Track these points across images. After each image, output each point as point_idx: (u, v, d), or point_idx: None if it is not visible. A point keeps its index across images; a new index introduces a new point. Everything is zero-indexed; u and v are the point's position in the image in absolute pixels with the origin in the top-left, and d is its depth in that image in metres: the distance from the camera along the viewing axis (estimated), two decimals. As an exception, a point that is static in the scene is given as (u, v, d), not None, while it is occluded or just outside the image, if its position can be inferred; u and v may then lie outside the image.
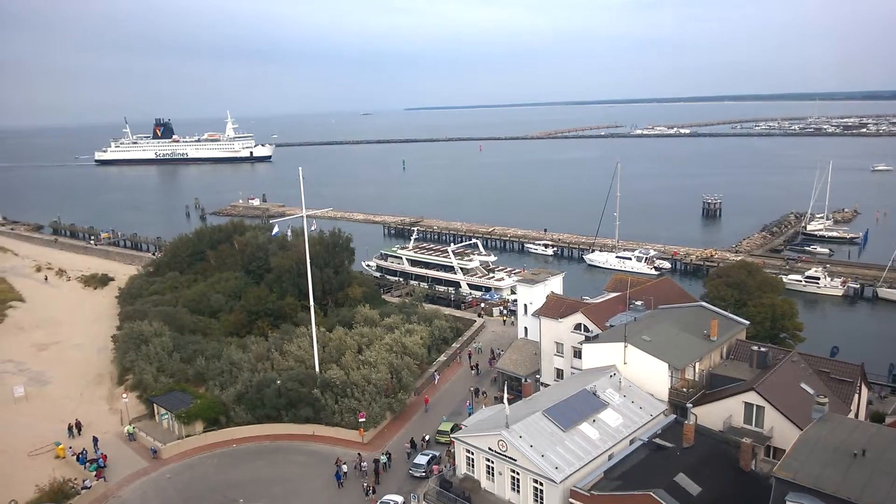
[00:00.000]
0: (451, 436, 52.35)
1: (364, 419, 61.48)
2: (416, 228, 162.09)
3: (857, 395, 50.87)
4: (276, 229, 72.11)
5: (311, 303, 70.02)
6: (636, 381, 51.67)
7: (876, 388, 65.77)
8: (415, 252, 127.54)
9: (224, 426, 63.67)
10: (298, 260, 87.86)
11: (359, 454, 57.78)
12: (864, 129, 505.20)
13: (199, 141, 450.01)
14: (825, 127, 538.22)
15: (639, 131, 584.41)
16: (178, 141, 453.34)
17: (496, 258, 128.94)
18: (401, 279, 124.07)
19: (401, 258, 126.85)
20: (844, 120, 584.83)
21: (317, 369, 68.00)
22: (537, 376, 67.04)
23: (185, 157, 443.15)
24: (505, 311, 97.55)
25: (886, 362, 76.68)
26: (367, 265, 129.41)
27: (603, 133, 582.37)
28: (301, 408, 63.43)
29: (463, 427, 51.86)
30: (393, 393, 65.32)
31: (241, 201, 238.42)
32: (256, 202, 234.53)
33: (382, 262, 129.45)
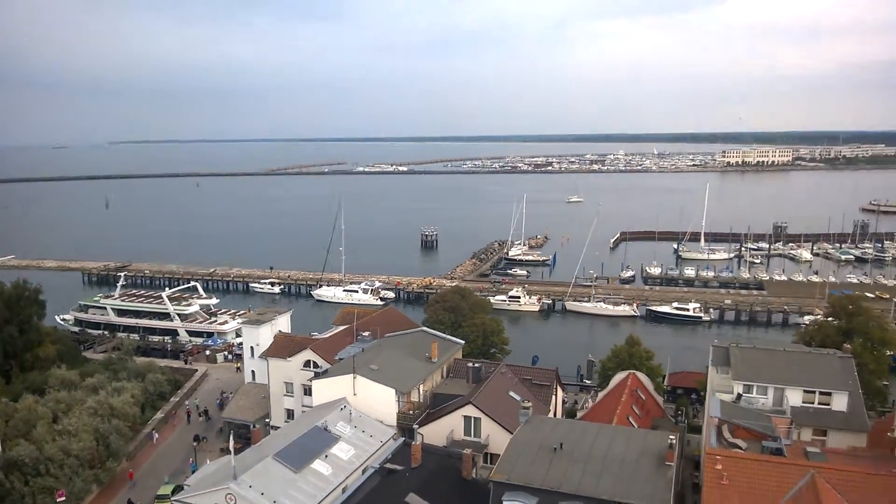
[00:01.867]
0: (172, 499, 47.49)
1: (63, 498, 52.88)
2: (123, 274, 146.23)
3: (554, 397, 58.02)
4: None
5: (-13, 369, 58.62)
6: (367, 411, 52.46)
7: (568, 388, 75.78)
8: (122, 300, 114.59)
9: None
10: (-32, 320, 73.24)
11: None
12: (551, 167, 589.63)
13: None
14: (520, 165, 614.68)
15: (361, 169, 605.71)
16: None
17: (218, 301, 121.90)
18: (106, 332, 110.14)
19: (105, 308, 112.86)
20: (534, 159, 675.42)
21: (-2, 448, 56.86)
22: (267, 420, 64.44)
23: None
24: (230, 356, 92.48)
25: (575, 364, 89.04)
26: (63, 319, 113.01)
27: (326, 170, 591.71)
28: (-24, 498, 52.34)
29: (186, 487, 47.42)
30: (100, 462, 57.35)
31: None
32: None
33: (82, 315, 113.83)
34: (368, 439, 49.59)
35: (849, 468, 32.85)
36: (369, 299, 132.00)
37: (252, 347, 70.74)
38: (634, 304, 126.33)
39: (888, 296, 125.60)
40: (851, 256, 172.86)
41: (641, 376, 63.23)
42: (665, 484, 35.79)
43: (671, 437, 39.15)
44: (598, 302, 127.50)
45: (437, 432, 50.63)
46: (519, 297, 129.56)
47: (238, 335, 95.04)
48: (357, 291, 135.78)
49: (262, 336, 69.63)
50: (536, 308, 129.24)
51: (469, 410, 50.13)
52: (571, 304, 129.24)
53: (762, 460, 34.34)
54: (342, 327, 69.97)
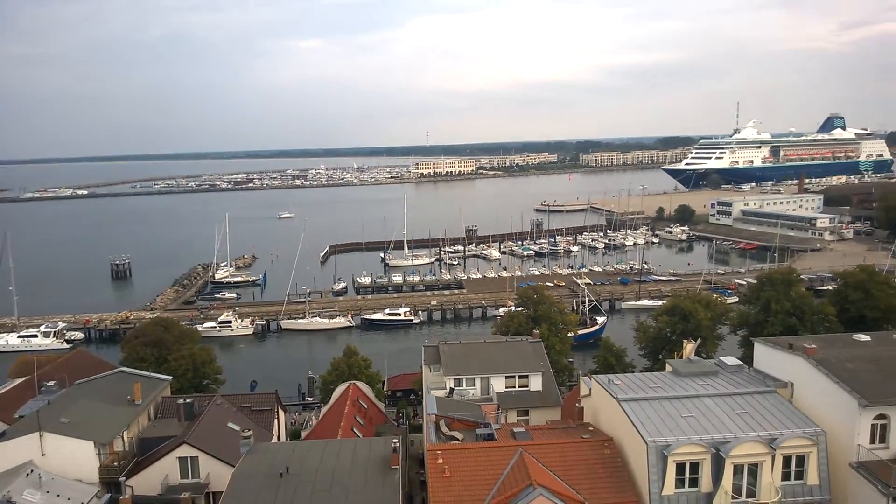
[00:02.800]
0: None
1: None
2: None
3: (276, 420, 55.67)
4: None
5: None
6: (62, 471, 44.40)
7: (291, 409, 73.67)
8: None
9: None
10: None
11: None
12: (252, 184, 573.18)
13: None
14: (219, 183, 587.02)
15: (30, 195, 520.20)
16: None
17: None
18: None
19: None
20: (234, 176, 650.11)
21: None
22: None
23: None
24: None
25: (296, 384, 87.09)
26: None
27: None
28: None
29: None
30: None
31: None
32: None
33: None
34: (66, 503, 41.93)
35: (549, 441, 36.97)
36: (52, 343, 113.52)
37: None
38: (349, 315, 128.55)
39: (563, 283, 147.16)
40: (532, 251, 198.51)
41: (362, 385, 64.09)
42: (393, 488, 36.41)
43: (394, 440, 40.05)
44: (313, 317, 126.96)
45: (151, 479, 45.16)
46: (230, 322, 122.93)
47: None
48: (36, 336, 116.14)
49: None
50: (250, 331, 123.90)
51: (183, 451, 45.55)
52: (287, 323, 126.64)
53: (477, 448, 36.88)
54: (20, 380, 59.05)
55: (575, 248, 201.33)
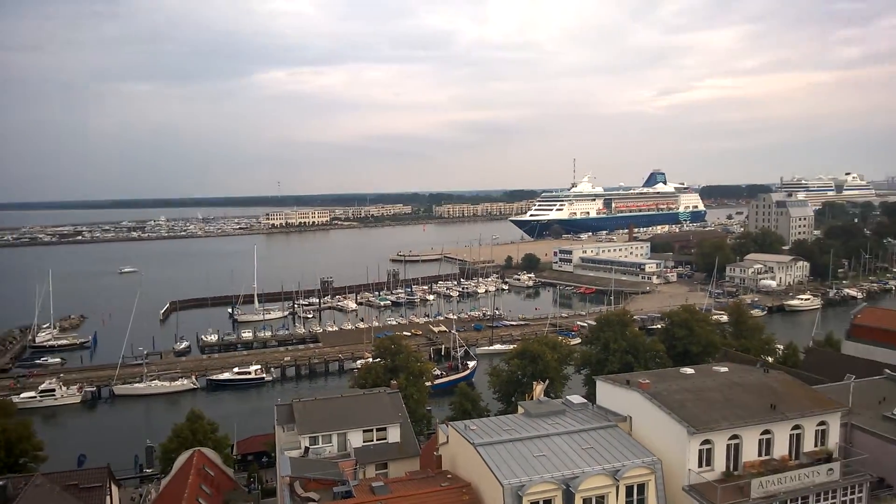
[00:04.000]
0: None
1: None
2: None
3: (108, 497, 50.26)
4: None
5: None
6: None
7: (127, 483, 67.03)
8: None
9: None
10: None
11: None
12: (81, 237, 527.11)
13: None
14: (41, 236, 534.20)
15: None
16: None
17: None
18: None
19: None
20: (60, 228, 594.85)
21: None
22: None
23: None
24: None
25: (132, 454, 79.71)
26: None
27: None
28: None
29: None
30: None
31: None
32: None
33: None
34: None
35: (408, 493, 36.44)
36: None
37: None
38: (193, 377, 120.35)
39: (420, 332, 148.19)
40: (388, 301, 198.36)
41: (208, 451, 59.79)
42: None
43: (246, 507, 37.64)
44: (151, 380, 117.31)
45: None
46: (53, 391, 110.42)
47: None
48: None
49: None
50: (78, 399, 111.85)
51: (-8, 545, 39.65)
52: (121, 388, 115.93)
53: (335, 506, 35.51)
54: None
55: (431, 297, 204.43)
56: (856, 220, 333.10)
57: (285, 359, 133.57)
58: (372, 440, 49.09)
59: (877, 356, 61.94)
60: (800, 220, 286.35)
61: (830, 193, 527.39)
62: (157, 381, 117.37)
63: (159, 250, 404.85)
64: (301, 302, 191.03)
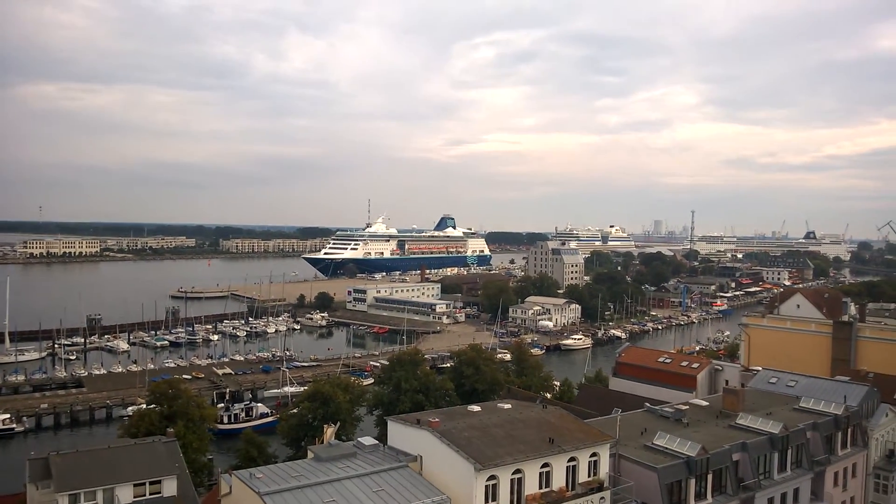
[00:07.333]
0: None
1: None
2: None
3: None
4: None
5: None
6: None
7: None
8: None
9: None
10: None
11: None
12: None
13: None
14: None
15: None
16: None
17: None
18: None
19: None
20: None
21: None
22: None
23: None
24: None
25: None
26: None
27: None
28: None
29: None
30: None
31: None
32: None
33: None
34: None
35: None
36: None
37: None
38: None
39: (202, 375, 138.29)
40: (166, 342, 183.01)
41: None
42: None
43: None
44: None
45: None
46: None
47: None
48: None
49: None
50: None
51: None
52: None
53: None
54: None
55: (215, 337, 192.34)
56: (619, 268, 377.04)
57: (42, 406, 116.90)
58: (144, 494, 44.58)
59: (638, 391, 69.57)
60: (572, 266, 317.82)
61: (598, 243, 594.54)
62: None
63: None
64: (63, 341, 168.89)
